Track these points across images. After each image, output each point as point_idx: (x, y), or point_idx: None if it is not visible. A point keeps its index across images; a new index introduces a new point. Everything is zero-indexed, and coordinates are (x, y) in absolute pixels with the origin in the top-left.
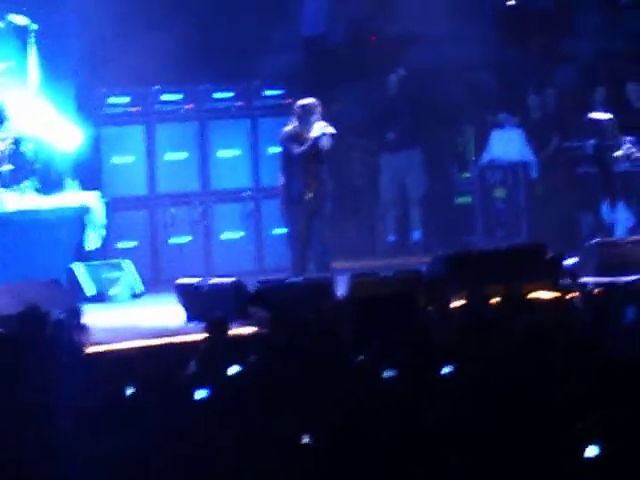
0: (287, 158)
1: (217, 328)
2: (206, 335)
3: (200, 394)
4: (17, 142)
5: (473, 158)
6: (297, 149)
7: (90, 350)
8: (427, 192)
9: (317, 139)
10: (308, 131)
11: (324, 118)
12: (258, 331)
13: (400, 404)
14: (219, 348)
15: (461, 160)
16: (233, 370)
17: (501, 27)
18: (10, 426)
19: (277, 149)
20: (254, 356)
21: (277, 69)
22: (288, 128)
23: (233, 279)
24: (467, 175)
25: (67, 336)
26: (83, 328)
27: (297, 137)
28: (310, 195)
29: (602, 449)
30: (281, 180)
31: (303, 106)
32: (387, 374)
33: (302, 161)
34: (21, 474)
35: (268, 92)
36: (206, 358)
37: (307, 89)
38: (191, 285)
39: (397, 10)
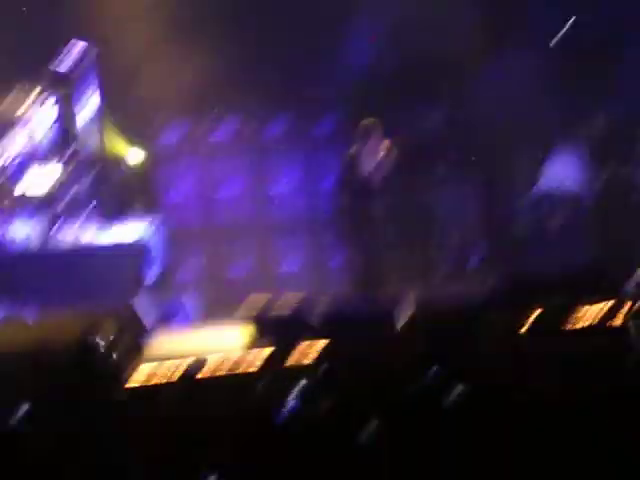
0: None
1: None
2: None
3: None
4: (81, 168)
5: (529, 186)
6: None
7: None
8: (482, 221)
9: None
10: (366, 153)
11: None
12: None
13: None
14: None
15: (518, 189)
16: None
17: (555, 57)
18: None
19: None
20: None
21: (327, 99)
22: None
23: (301, 297)
24: (523, 204)
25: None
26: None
27: (353, 160)
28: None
29: None
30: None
31: (361, 127)
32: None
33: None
34: None
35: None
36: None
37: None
38: (261, 305)
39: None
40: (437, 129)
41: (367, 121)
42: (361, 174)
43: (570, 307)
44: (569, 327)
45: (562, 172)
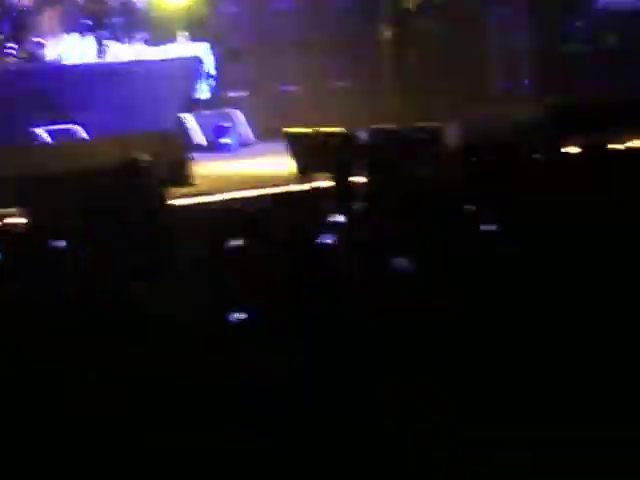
0: None
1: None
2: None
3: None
4: None
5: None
6: None
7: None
8: (535, 42)
9: None
10: None
11: None
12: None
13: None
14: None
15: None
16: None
17: None
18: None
19: None
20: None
21: None
22: None
23: (343, 130)
24: (579, 23)
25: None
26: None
27: None
28: None
29: None
30: None
31: None
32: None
33: None
34: None
35: None
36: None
37: None
38: (301, 135)
39: None
40: None
41: None
42: None
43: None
44: None
45: None
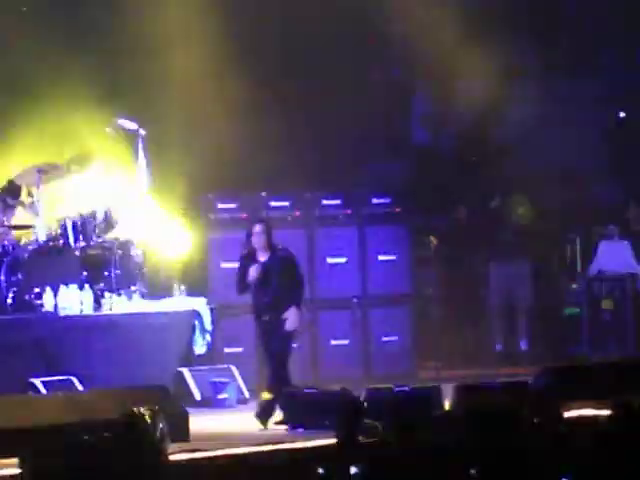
0: None
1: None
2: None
3: None
4: (125, 247)
5: (580, 270)
6: None
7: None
8: (535, 302)
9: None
10: None
11: None
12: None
13: None
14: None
15: (569, 271)
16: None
17: (609, 138)
18: None
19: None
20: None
21: (384, 177)
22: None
23: (340, 388)
24: (575, 286)
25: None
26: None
27: None
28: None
29: None
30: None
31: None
32: None
33: None
34: None
35: (375, 200)
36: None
37: (415, 198)
38: (298, 393)
39: (502, 119)
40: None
41: None
42: None
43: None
44: None
45: (615, 255)
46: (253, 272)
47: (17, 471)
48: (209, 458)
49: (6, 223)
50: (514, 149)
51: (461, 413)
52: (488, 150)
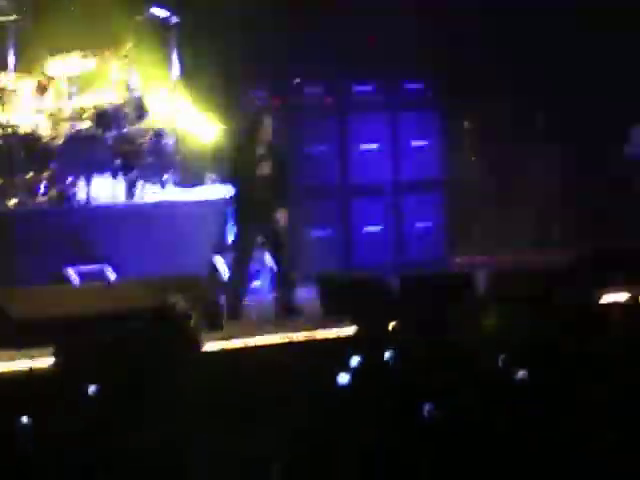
0: None
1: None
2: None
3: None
4: (157, 136)
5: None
6: None
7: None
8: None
9: None
10: None
11: None
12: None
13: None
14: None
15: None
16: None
17: None
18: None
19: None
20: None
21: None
22: None
23: (375, 275)
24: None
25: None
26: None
27: None
28: None
29: None
30: None
31: None
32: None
33: None
34: None
35: (408, 85)
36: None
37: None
38: (332, 279)
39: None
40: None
41: None
42: None
43: None
44: None
45: None
46: None
47: (51, 360)
48: (244, 347)
49: None
50: None
51: (493, 300)
52: None
